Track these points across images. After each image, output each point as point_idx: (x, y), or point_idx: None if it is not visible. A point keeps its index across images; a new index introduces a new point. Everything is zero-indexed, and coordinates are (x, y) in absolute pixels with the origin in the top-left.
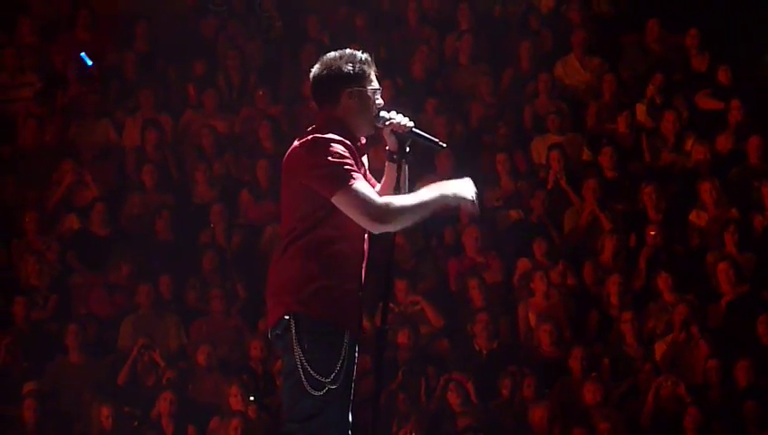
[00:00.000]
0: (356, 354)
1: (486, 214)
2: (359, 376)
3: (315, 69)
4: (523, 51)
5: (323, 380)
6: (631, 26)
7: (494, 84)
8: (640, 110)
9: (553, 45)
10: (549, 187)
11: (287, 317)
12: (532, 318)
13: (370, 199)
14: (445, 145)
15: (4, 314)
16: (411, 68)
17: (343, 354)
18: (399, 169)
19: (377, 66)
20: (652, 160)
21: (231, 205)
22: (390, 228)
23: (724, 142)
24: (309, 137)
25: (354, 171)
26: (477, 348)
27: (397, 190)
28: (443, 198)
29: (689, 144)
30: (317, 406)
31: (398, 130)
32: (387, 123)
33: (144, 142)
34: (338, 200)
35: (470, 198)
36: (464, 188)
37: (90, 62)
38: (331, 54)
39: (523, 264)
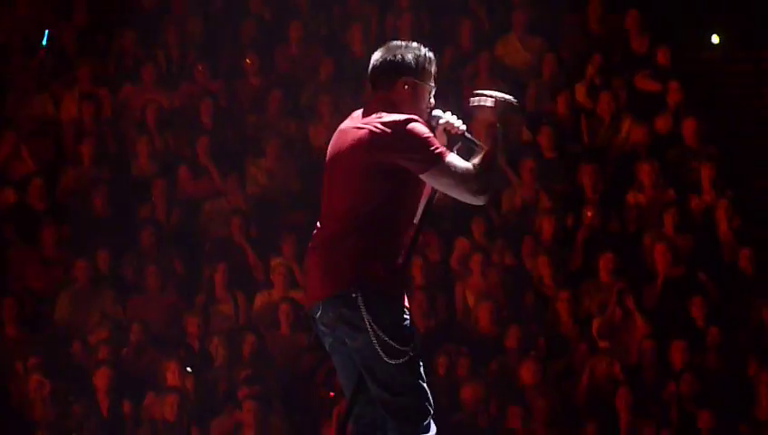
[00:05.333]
0: None
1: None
2: (300, 352)
3: (378, 54)
4: (464, 29)
5: (405, 348)
6: (573, 6)
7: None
8: (580, 90)
9: (494, 24)
10: None
11: (354, 295)
12: (470, 297)
13: (467, 172)
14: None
15: None
16: (351, 46)
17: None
18: None
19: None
20: (591, 141)
21: (169, 180)
22: (486, 197)
23: (663, 123)
24: (386, 119)
25: (441, 147)
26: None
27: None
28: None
29: (626, 125)
30: (412, 374)
31: (451, 131)
32: (442, 122)
33: (81, 116)
34: (432, 175)
35: (505, 105)
36: (496, 110)
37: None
38: (397, 42)
39: (461, 243)
